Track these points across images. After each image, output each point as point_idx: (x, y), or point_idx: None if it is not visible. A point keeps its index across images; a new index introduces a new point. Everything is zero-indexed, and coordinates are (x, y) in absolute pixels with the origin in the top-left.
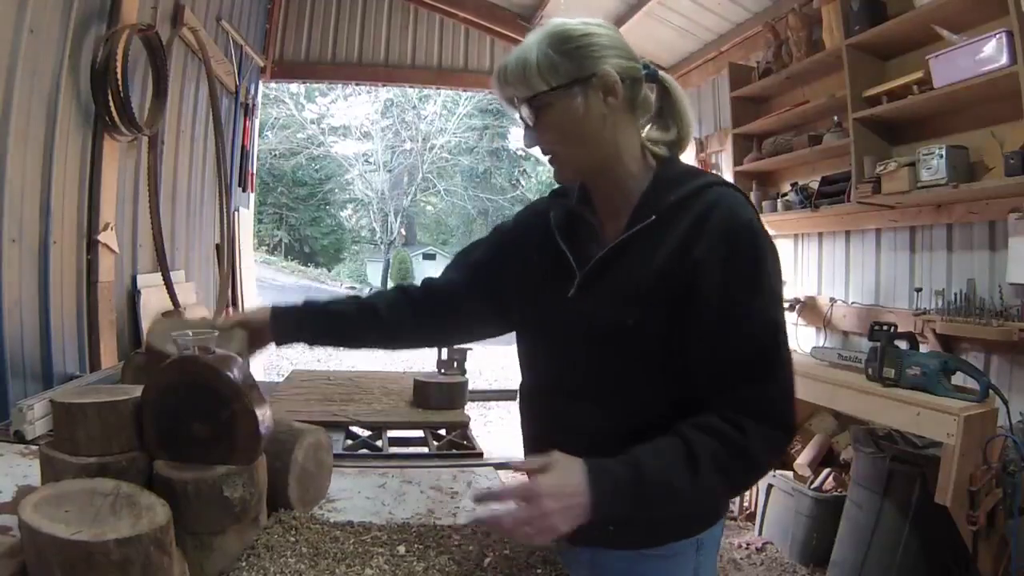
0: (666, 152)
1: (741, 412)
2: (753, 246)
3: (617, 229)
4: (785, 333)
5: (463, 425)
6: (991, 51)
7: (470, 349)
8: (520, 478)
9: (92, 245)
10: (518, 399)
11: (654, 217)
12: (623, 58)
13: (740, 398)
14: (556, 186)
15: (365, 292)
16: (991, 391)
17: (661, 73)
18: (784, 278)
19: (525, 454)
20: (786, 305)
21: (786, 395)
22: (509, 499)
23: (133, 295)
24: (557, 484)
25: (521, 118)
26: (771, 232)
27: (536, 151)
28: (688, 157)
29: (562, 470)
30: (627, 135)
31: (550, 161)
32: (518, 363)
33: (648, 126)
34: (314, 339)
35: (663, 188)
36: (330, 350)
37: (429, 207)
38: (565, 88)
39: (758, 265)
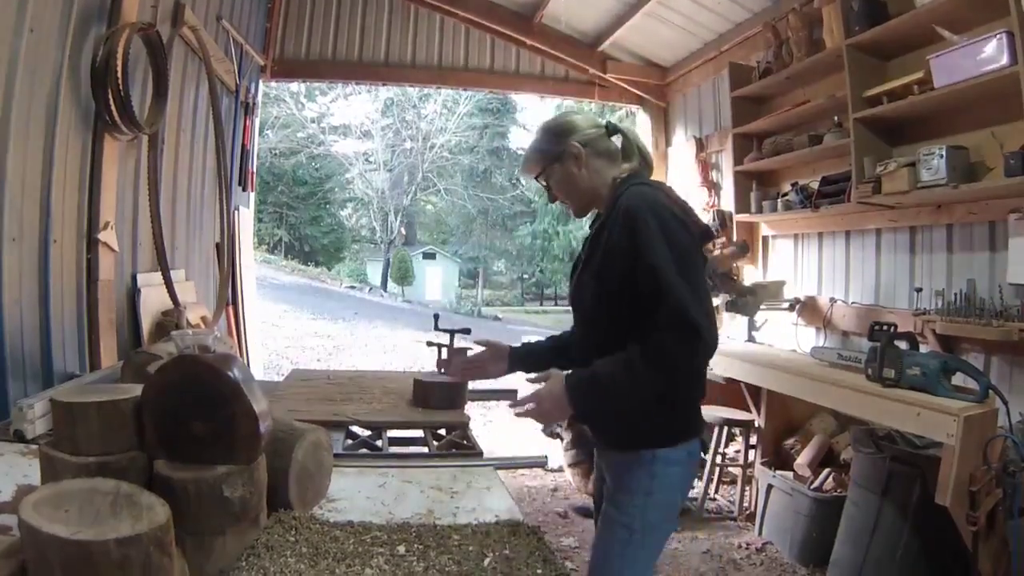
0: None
1: (656, 326)
2: (635, 218)
3: None
4: (677, 266)
5: (463, 425)
6: (991, 51)
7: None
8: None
9: (92, 244)
10: None
11: (602, 217)
12: (582, 132)
13: (655, 316)
14: None
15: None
16: (991, 391)
17: (617, 125)
18: (686, 236)
19: None
20: (786, 305)
21: (682, 305)
22: (526, 401)
23: (133, 294)
24: (549, 389)
25: (543, 186)
26: (771, 232)
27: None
28: (688, 156)
29: (553, 382)
30: (601, 174)
31: (567, 207)
32: None
33: (624, 162)
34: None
35: (613, 195)
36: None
37: (429, 206)
38: (549, 165)
39: (642, 228)
